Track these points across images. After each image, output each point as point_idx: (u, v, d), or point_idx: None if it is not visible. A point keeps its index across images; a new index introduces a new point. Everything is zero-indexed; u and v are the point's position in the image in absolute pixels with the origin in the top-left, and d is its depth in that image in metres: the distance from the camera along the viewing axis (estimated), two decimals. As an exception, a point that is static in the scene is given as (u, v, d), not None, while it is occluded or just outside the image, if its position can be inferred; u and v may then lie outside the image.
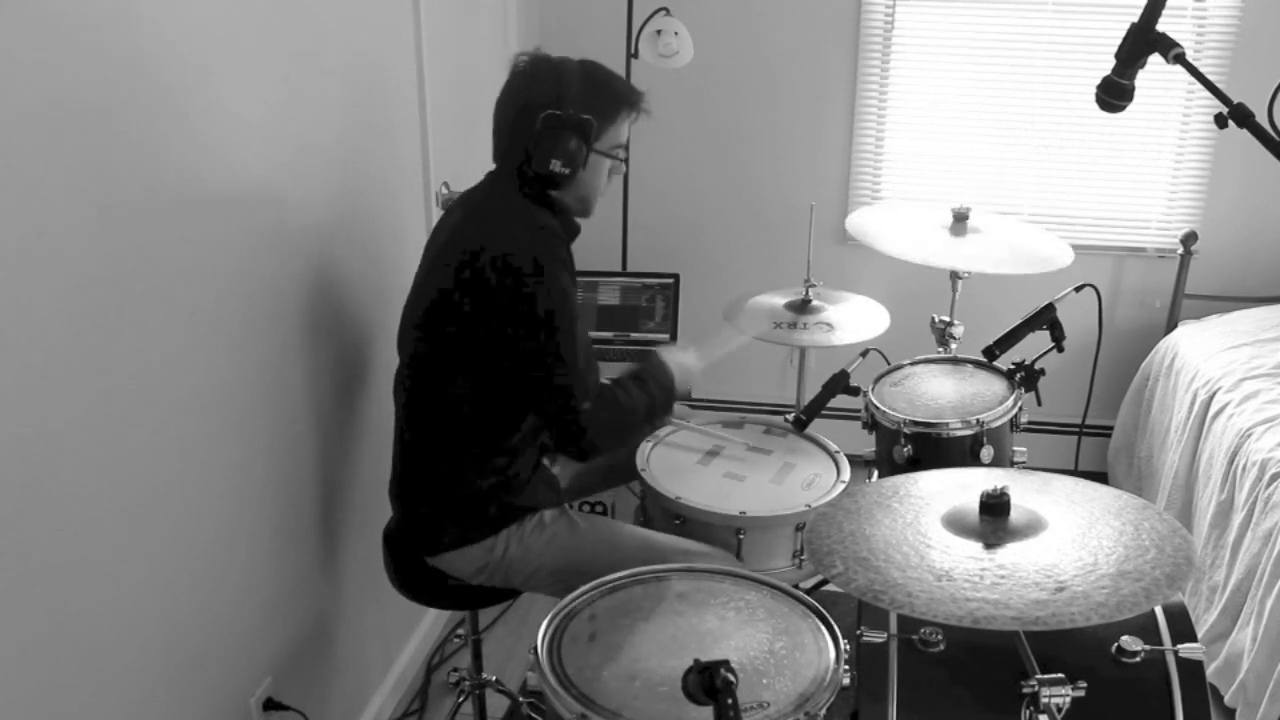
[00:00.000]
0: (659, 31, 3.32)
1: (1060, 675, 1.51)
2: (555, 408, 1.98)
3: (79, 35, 1.50)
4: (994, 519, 1.57)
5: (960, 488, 1.68)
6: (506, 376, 1.99)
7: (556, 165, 1.96)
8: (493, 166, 2.11)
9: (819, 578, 2.55)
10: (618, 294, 3.41)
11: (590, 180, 2.07)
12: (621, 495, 2.86)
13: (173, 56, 1.70)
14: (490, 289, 1.93)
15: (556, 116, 1.95)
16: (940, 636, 1.74)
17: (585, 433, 1.99)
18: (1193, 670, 1.68)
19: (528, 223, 1.98)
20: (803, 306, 2.77)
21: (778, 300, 2.82)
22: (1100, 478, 3.01)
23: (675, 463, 2.35)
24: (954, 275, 2.89)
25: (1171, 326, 3.63)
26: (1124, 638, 1.69)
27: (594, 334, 3.38)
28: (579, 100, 1.99)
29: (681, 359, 2.27)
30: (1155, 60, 1.70)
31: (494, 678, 2.51)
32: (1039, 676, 1.52)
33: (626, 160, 2.15)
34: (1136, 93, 1.76)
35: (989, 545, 1.53)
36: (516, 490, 2.11)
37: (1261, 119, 1.53)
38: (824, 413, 2.51)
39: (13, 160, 1.40)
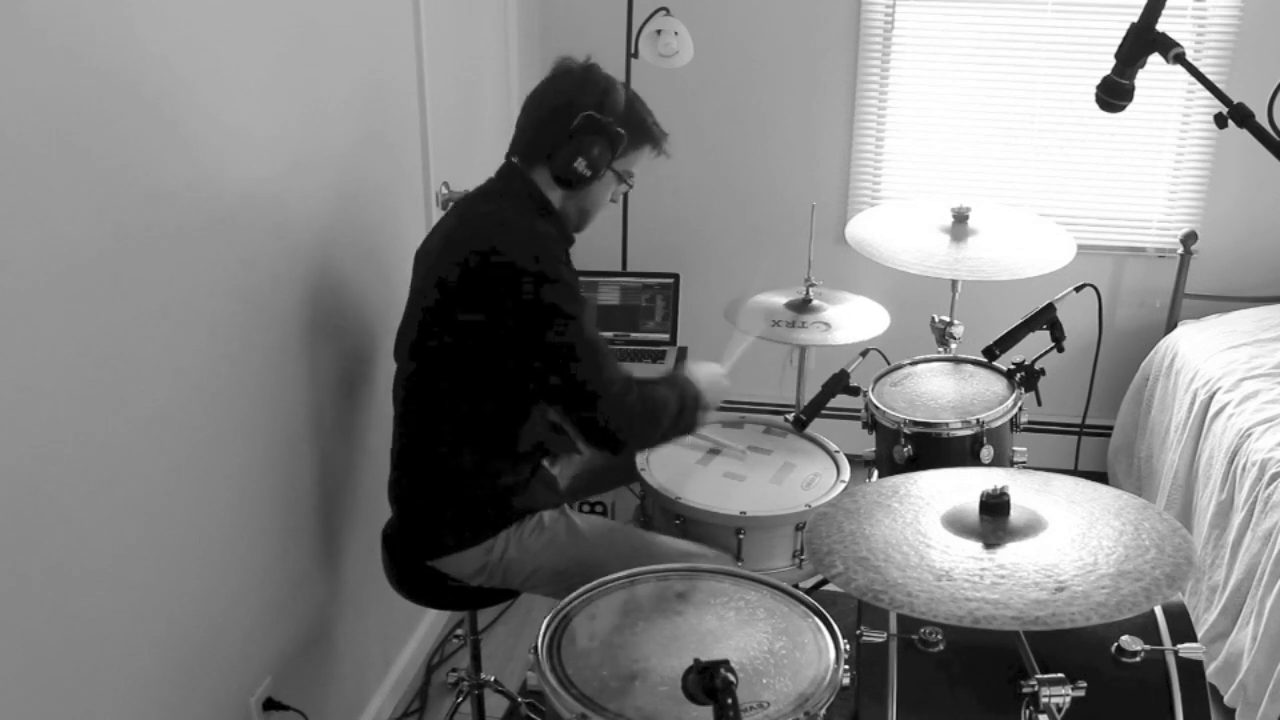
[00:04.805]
0: (659, 31, 3.32)
1: (1060, 675, 1.51)
2: (579, 403, 1.97)
3: (78, 47, 1.50)
4: (994, 519, 1.57)
5: (960, 488, 1.68)
6: (510, 380, 1.99)
7: (580, 165, 2.00)
8: (493, 167, 2.12)
9: (819, 578, 2.55)
10: (618, 294, 3.41)
11: (597, 194, 2.10)
12: (621, 495, 2.86)
13: (171, 62, 1.70)
14: (495, 294, 1.93)
15: (596, 120, 1.99)
16: (940, 636, 1.74)
17: (611, 424, 1.98)
18: (1193, 670, 1.69)
19: (525, 228, 2.00)
20: (803, 306, 2.77)
21: (778, 299, 2.82)
22: (1100, 478, 3.01)
23: (675, 463, 2.35)
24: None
25: (1171, 326, 3.62)
26: (1124, 638, 1.69)
27: (594, 334, 3.38)
28: (620, 116, 2.03)
29: (708, 371, 2.28)
30: (1155, 60, 1.70)
31: (493, 678, 2.51)
32: (1039, 676, 1.52)
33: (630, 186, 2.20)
34: (1136, 93, 1.76)
35: (989, 545, 1.53)
36: (515, 492, 2.10)
37: (1261, 119, 1.53)
38: (824, 413, 2.51)
39: (17, 168, 1.40)
